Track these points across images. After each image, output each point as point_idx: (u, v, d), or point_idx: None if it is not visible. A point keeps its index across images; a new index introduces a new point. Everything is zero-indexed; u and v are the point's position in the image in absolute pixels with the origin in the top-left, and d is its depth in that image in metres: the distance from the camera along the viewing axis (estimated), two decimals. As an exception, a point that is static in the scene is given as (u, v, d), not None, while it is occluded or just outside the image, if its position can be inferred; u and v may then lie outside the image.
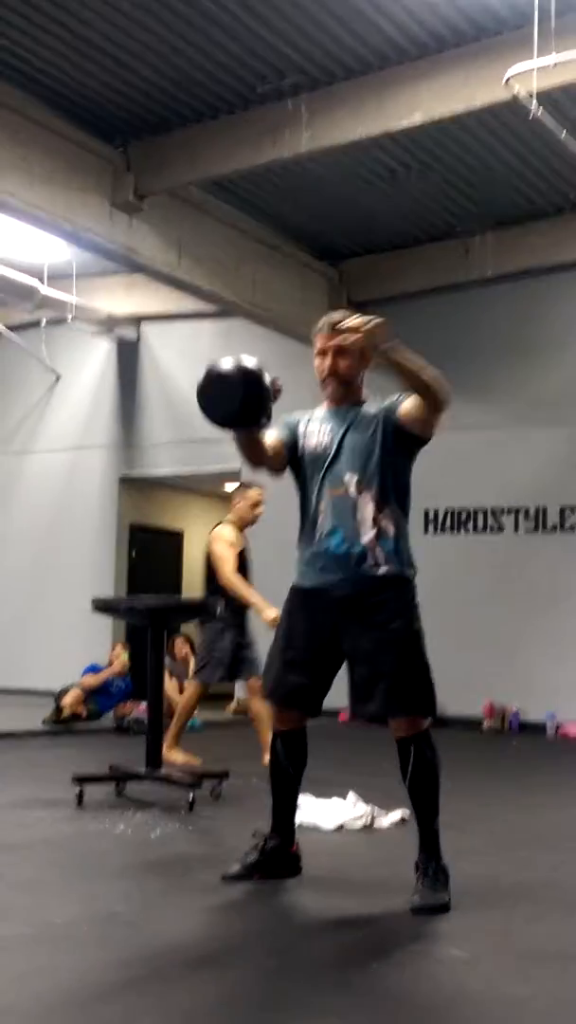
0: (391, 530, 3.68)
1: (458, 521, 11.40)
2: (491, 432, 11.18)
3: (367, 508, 3.66)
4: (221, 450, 12.81)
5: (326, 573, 3.70)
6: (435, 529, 11.41)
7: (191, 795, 5.23)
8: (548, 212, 10.47)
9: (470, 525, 11.37)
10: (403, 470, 3.77)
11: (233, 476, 12.98)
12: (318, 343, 3.79)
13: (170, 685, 9.83)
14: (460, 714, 10.12)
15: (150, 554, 14.07)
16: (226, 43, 7.74)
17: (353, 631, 3.66)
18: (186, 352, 13.20)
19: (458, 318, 11.32)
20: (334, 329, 3.66)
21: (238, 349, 14.13)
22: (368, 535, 3.65)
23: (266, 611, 6.23)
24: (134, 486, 13.75)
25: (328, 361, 3.76)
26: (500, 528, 11.23)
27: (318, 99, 8.28)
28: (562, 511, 10.92)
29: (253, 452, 3.78)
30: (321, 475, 3.75)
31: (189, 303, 11.59)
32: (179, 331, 13.22)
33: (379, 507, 3.67)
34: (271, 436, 3.81)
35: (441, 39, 7.71)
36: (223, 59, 7.96)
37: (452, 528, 11.41)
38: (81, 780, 5.35)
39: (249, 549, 7.34)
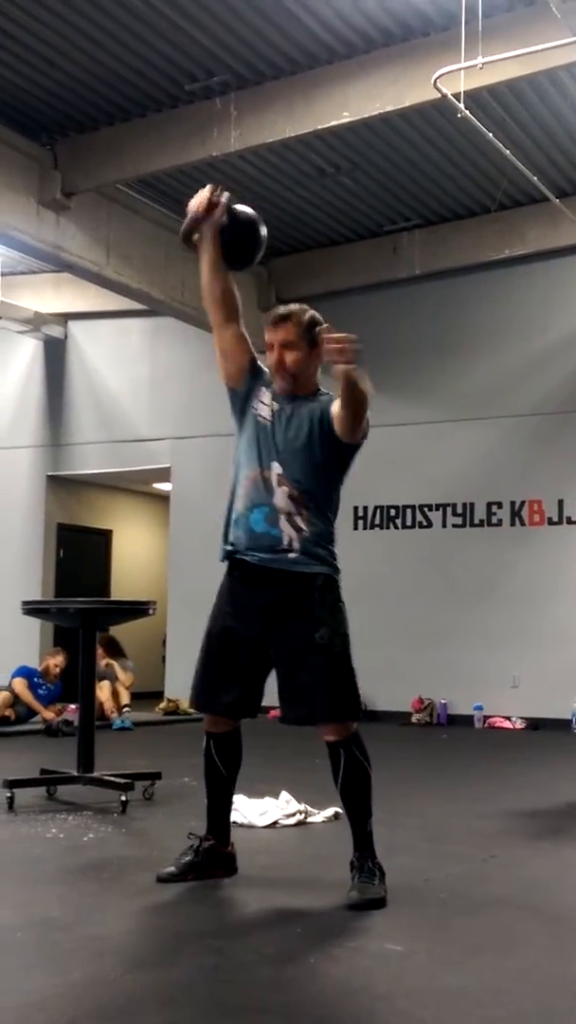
0: (308, 529, 3.63)
1: (387, 517, 11.48)
2: (419, 428, 11.29)
3: (284, 501, 3.63)
4: (149, 449, 12.83)
5: (251, 545, 3.66)
6: (364, 525, 11.48)
7: (124, 797, 5.21)
8: (475, 211, 10.61)
9: (398, 521, 11.46)
10: (331, 476, 3.72)
11: (162, 475, 12.97)
12: (266, 336, 3.76)
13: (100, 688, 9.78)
14: (389, 708, 10.22)
15: (78, 554, 13.97)
16: (155, 41, 7.72)
17: (279, 636, 3.65)
18: (114, 350, 13.15)
19: (386, 315, 11.40)
20: (317, 334, 3.56)
21: (166, 348, 14.13)
22: (286, 525, 3.62)
23: None
24: (61, 485, 13.65)
25: (275, 355, 3.73)
26: (428, 524, 11.33)
27: (247, 98, 8.30)
28: (489, 506, 11.06)
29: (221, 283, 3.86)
30: (250, 450, 3.73)
31: (117, 302, 11.54)
32: (107, 329, 13.16)
33: (299, 504, 3.63)
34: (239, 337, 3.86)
35: (370, 39, 7.77)
36: (151, 57, 7.93)
37: (380, 524, 11.49)
38: (11, 784, 5.30)
39: None
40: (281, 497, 3.64)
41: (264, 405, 3.77)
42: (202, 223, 3.86)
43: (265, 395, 3.79)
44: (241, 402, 3.85)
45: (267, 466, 3.68)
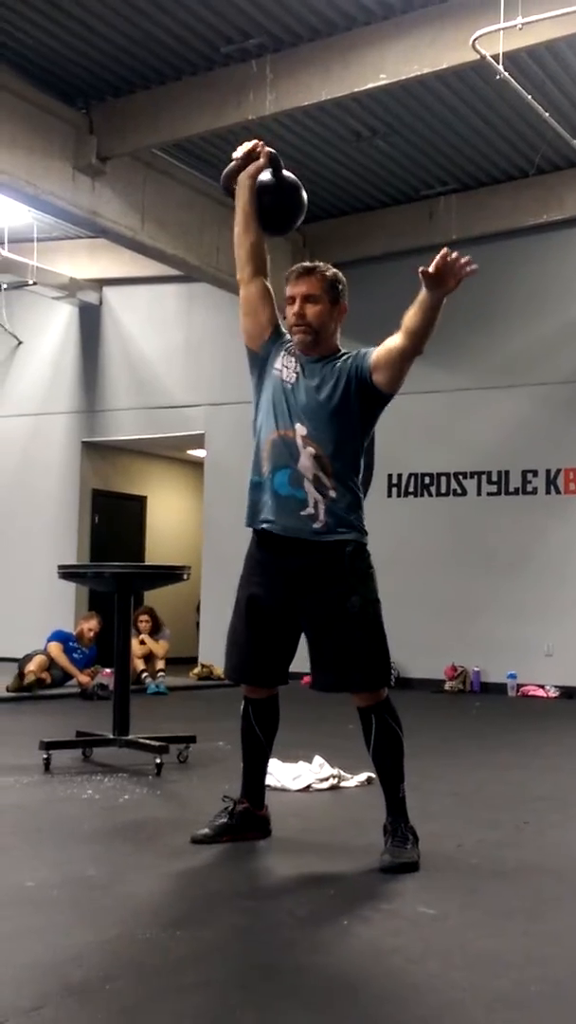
0: (334, 493, 3.59)
1: (421, 485, 11.45)
2: (454, 395, 11.24)
3: (309, 461, 3.58)
4: (184, 415, 12.84)
5: (274, 515, 3.64)
6: (398, 493, 11.46)
7: (158, 759, 5.25)
8: (512, 175, 10.50)
9: (432, 488, 11.42)
10: (358, 438, 3.66)
11: (196, 441, 12.99)
12: (287, 290, 3.71)
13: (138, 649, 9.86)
14: (422, 675, 10.23)
15: (112, 519, 14.04)
16: (190, 4, 7.68)
17: (309, 604, 3.64)
18: (149, 317, 13.15)
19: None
20: (444, 260, 3.44)
21: (201, 314, 14.10)
22: (311, 488, 3.58)
23: None
24: (96, 451, 13.70)
25: (297, 308, 3.67)
26: (463, 491, 11.29)
27: (283, 61, 8.24)
28: (524, 474, 11.00)
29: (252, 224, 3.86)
30: (273, 411, 3.68)
31: (152, 267, 11.53)
32: (142, 295, 13.15)
33: (324, 467, 3.58)
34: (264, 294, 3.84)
35: (407, 0, 7.67)
36: (187, 20, 7.88)
37: (415, 492, 11.46)
38: (48, 745, 5.36)
39: None
40: (306, 458, 3.59)
41: (286, 368, 3.72)
42: (242, 170, 3.87)
43: (287, 357, 3.73)
44: (261, 363, 3.81)
45: (290, 427, 3.63)
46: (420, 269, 3.43)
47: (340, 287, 3.73)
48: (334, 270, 3.75)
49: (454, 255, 3.43)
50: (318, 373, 3.66)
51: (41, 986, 2.41)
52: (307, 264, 3.76)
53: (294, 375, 3.70)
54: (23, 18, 7.86)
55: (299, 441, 3.61)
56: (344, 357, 3.70)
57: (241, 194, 3.89)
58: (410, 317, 3.53)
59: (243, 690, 3.86)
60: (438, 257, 3.42)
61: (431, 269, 3.41)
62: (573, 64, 8.38)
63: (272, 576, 3.70)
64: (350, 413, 3.62)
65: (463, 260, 3.46)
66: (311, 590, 3.63)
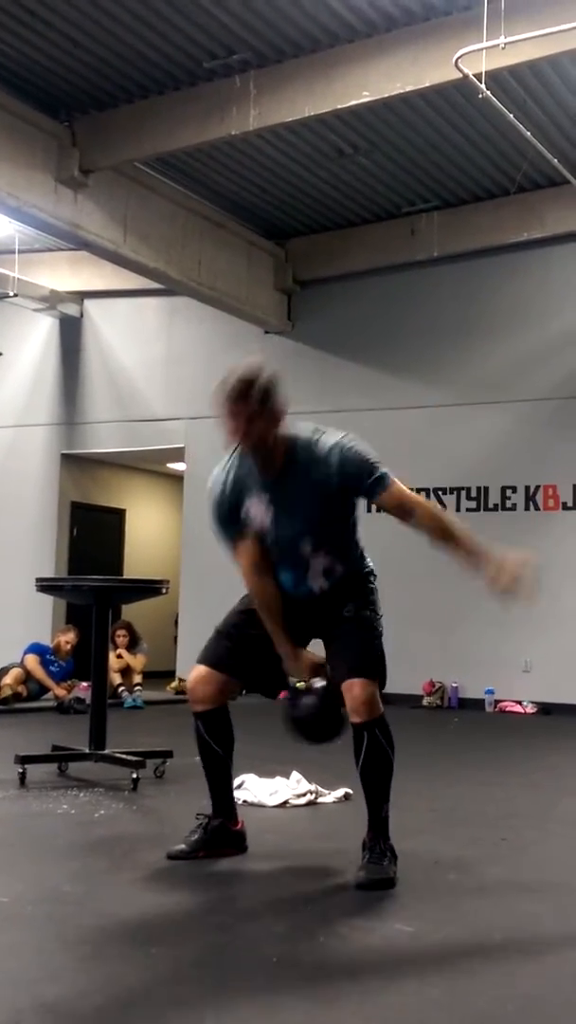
0: (341, 568, 3.67)
1: (401, 501, 11.43)
2: (435, 411, 11.25)
3: (318, 567, 3.65)
4: (163, 428, 12.82)
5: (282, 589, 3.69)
6: (377, 508, 11.43)
7: (135, 774, 5.22)
8: (494, 193, 10.56)
9: (412, 505, 11.40)
10: (350, 512, 3.72)
11: (176, 455, 12.97)
12: (227, 422, 3.49)
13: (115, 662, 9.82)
14: (400, 691, 10.22)
15: (91, 532, 13.99)
16: (174, 18, 7.69)
17: (318, 623, 3.70)
18: (130, 329, 13.14)
19: (403, 297, 11.35)
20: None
21: (182, 327, 14.10)
22: (319, 579, 3.66)
23: None
24: (76, 464, 13.66)
25: (239, 435, 3.49)
26: (442, 507, 11.29)
27: (266, 76, 8.26)
28: (504, 490, 11.03)
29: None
30: (271, 540, 3.64)
31: (134, 280, 11.52)
32: (123, 308, 13.14)
33: (331, 564, 3.66)
34: (248, 547, 3.66)
35: (391, 18, 7.72)
36: (171, 34, 7.90)
37: (395, 508, 11.44)
38: (24, 759, 5.32)
39: None
40: (315, 566, 3.65)
41: (259, 513, 3.60)
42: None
43: (253, 499, 3.61)
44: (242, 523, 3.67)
45: (292, 547, 3.62)
46: (495, 583, 3.56)
47: (272, 396, 3.47)
48: (262, 380, 3.47)
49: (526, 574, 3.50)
50: (288, 483, 3.56)
51: (15, 1002, 2.38)
52: (233, 389, 3.46)
53: (264, 512, 3.60)
54: (6, 30, 7.86)
55: (307, 553, 3.63)
56: (303, 446, 3.55)
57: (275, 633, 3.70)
58: (446, 529, 3.63)
59: (191, 708, 3.81)
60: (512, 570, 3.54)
61: (500, 588, 3.55)
62: (555, 84, 8.44)
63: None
64: (338, 506, 3.65)
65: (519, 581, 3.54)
66: (316, 618, 3.69)
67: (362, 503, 3.75)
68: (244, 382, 3.46)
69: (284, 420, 3.54)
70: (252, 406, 3.44)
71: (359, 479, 3.56)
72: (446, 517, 3.65)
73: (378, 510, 3.68)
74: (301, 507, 3.58)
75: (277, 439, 3.53)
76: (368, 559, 3.82)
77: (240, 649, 3.75)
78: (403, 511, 3.59)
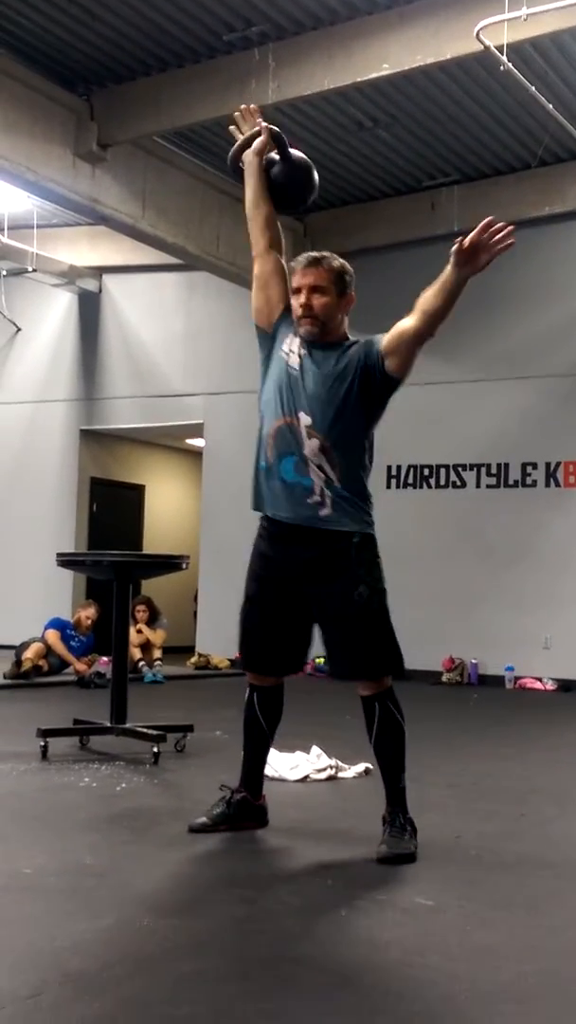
0: (340, 484, 3.57)
1: (420, 476, 11.43)
2: (455, 387, 11.21)
3: (314, 451, 3.55)
4: (183, 404, 12.81)
5: (282, 502, 3.62)
6: (397, 484, 11.44)
7: (156, 748, 5.24)
8: (515, 167, 10.46)
9: (432, 480, 11.41)
10: (362, 428, 3.63)
11: (195, 430, 12.97)
12: (293, 280, 3.66)
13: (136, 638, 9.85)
14: (420, 667, 10.22)
15: (111, 508, 14.03)
16: (193, -11, 7.63)
17: (319, 595, 3.63)
18: (148, 305, 13.12)
19: (424, 272, 11.08)
20: (484, 229, 3.47)
21: (201, 303, 14.04)
22: (317, 476, 3.55)
23: None
24: (95, 439, 13.68)
25: (303, 298, 3.62)
26: (462, 484, 11.28)
27: (285, 49, 8.20)
28: (523, 467, 10.99)
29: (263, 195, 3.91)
30: (278, 397, 3.65)
31: (152, 255, 11.49)
32: (142, 283, 13.11)
33: (330, 457, 3.56)
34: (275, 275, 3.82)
35: (410, -11, 7.64)
36: (189, 7, 7.85)
37: (414, 484, 11.45)
38: (45, 733, 5.35)
39: None
40: (311, 448, 3.57)
41: (292, 353, 3.68)
42: (246, 148, 3.91)
43: (294, 342, 3.69)
44: (269, 342, 3.78)
45: (295, 416, 3.60)
46: (454, 246, 3.42)
47: (347, 278, 3.69)
48: (341, 260, 3.71)
49: (497, 225, 3.42)
50: (324, 361, 3.63)
51: (39, 973, 2.40)
52: (314, 254, 3.70)
53: (299, 359, 3.65)
54: (25, 3, 7.82)
55: (303, 431, 3.58)
56: (352, 345, 3.66)
57: (249, 172, 3.90)
58: (428, 298, 3.54)
59: (248, 677, 3.84)
60: (478, 228, 3.41)
61: (466, 243, 3.41)
62: (577, 55, 8.35)
63: (280, 568, 3.69)
64: (356, 404, 3.59)
65: (504, 232, 3.46)
66: (319, 582, 3.62)
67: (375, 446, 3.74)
68: (323, 255, 3.69)
69: (349, 309, 3.69)
70: (326, 274, 3.62)
71: (368, 355, 3.59)
72: (427, 299, 3.61)
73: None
74: (325, 388, 3.59)
75: (336, 322, 3.67)
76: (370, 509, 3.68)
77: (265, 647, 3.75)
78: (405, 333, 3.57)
